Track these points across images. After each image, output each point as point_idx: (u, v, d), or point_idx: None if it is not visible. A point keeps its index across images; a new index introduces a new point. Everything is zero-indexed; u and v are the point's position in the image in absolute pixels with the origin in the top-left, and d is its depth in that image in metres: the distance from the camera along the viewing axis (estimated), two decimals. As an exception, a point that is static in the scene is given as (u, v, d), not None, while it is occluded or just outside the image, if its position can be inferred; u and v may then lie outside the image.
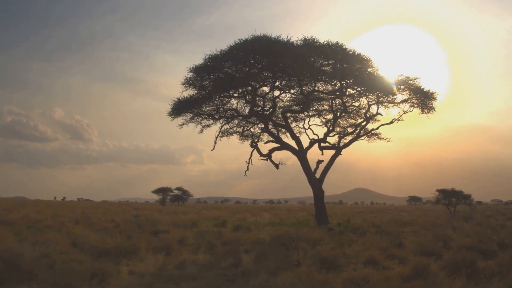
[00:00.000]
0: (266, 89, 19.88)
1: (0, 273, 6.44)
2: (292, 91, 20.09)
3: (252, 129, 22.67)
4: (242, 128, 22.61)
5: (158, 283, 6.79)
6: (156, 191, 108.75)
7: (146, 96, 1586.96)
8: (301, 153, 19.43)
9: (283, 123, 20.28)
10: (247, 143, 23.30)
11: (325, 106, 22.43)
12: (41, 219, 18.44)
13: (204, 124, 21.45)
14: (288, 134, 21.96)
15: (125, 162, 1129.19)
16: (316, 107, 22.40)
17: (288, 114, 21.14)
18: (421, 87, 19.01)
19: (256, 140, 22.09)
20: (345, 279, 7.16)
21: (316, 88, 19.34)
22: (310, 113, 22.58)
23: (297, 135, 20.61)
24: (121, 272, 7.48)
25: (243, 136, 23.12)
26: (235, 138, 23.30)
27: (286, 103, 22.04)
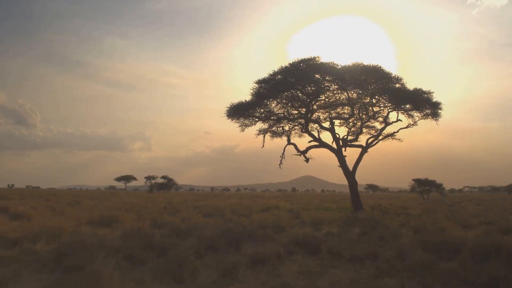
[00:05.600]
0: (314, 98, 23.82)
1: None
2: (331, 100, 24.24)
3: (286, 128, 26.54)
4: (277, 127, 26.38)
5: (355, 241, 10.54)
6: (119, 179, 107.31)
7: (92, 80, 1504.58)
8: (338, 150, 23.68)
9: (329, 127, 24.35)
10: (276, 140, 27.30)
11: (345, 110, 26.86)
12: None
13: (245, 124, 25.03)
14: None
15: (71, 148, 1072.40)
16: (338, 110, 26.76)
17: (322, 116, 25.35)
18: (432, 99, 23.91)
19: (289, 138, 26.03)
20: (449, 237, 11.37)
21: (358, 97, 23.68)
22: (333, 115, 26.89)
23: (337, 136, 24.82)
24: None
25: (276, 134, 26.88)
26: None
27: (315, 108, 26.14)
